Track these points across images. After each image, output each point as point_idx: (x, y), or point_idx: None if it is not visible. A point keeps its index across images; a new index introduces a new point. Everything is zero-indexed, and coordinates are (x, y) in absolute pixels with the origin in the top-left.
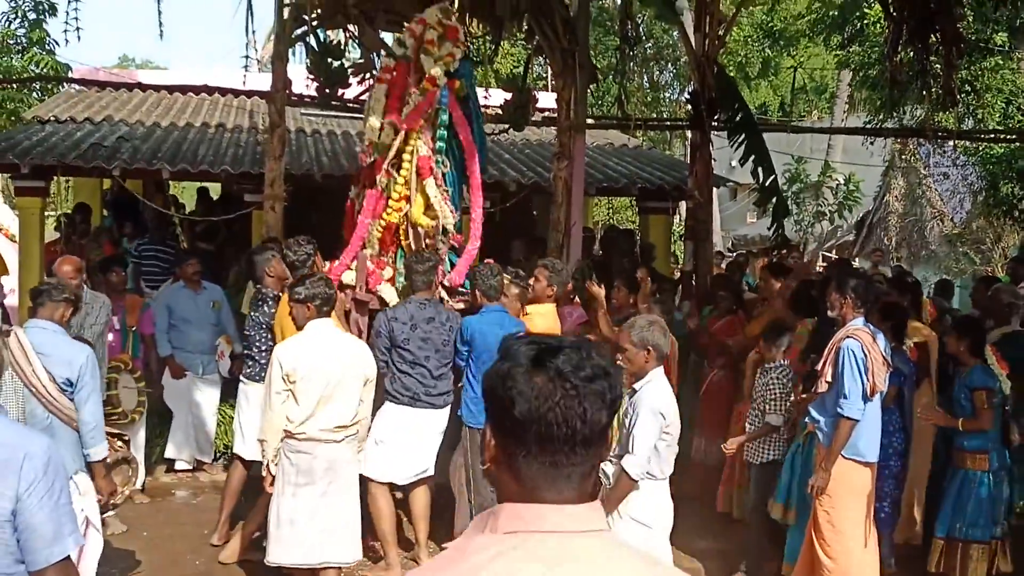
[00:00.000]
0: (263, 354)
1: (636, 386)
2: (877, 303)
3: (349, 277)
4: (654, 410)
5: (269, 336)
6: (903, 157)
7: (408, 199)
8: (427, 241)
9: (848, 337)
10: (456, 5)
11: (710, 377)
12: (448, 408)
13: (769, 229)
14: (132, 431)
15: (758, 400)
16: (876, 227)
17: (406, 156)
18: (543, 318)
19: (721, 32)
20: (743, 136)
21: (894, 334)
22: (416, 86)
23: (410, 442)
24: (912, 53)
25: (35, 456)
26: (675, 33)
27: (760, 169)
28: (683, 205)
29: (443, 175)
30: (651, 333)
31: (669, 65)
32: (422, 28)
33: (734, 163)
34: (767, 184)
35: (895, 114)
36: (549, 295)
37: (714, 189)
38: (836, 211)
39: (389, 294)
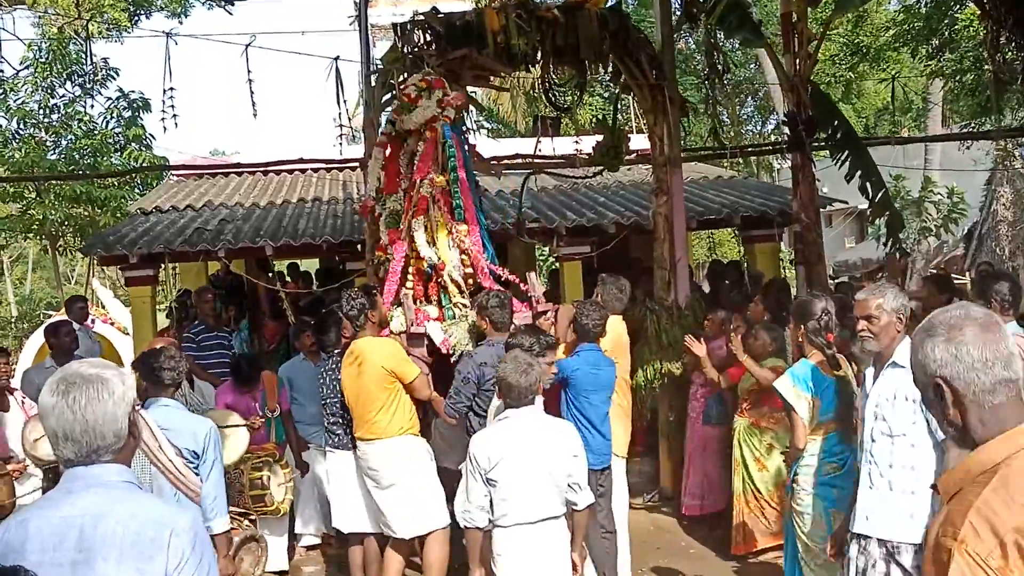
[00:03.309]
0: None
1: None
2: None
3: (397, 324)
4: (469, 452)
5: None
6: (1006, 164)
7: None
8: (467, 271)
9: None
10: (539, 55)
11: None
12: None
13: (885, 244)
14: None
15: None
16: (986, 238)
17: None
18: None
19: (811, 50)
20: (846, 153)
21: None
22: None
23: None
24: (1013, 51)
25: (182, 532)
26: (752, 66)
27: (869, 184)
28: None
29: (454, 207)
30: (501, 367)
31: (749, 99)
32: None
33: (825, 188)
34: (877, 199)
35: (994, 118)
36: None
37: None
38: (942, 226)
39: (436, 333)
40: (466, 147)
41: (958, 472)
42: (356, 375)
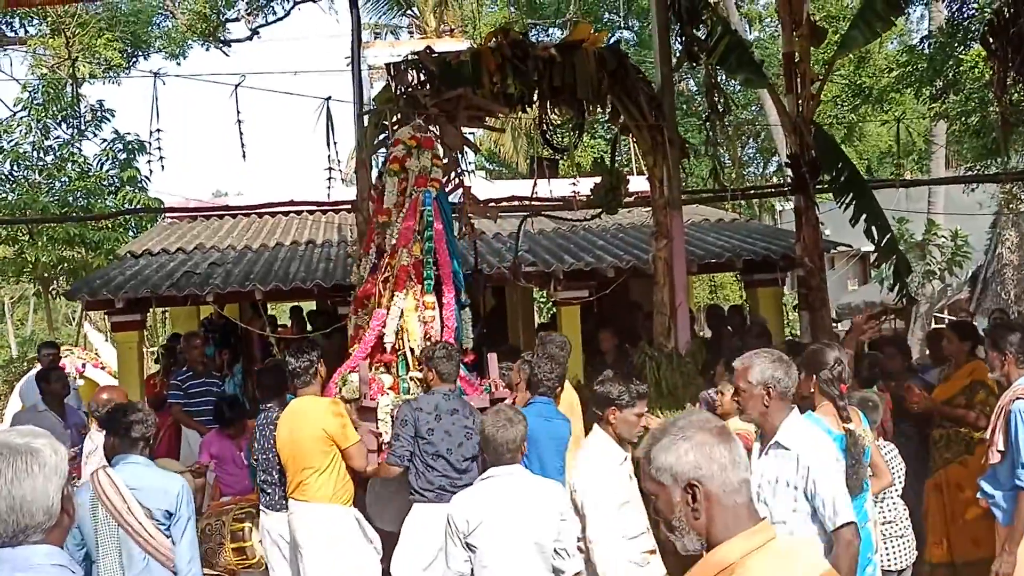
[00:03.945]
0: None
1: None
2: None
3: (349, 391)
4: (447, 514)
5: None
6: (1011, 207)
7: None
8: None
9: (1017, 399)
10: (536, 95)
11: None
12: None
13: (891, 289)
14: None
15: None
16: (991, 282)
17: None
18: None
19: (814, 90)
20: (850, 196)
21: None
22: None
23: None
24: (1020, 92)
25: None
26: (754, 107)
27: (874, 228)
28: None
29: (426, 278)
30: (483, 419)
31: (751, 140)
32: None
33: (828, 231)
34: (883, 243)
35: (1000, 160)
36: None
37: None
38: (946, 269)
39: (383, 416)
40: (454, 200)
41: (697, 573)
42: (295, 434)
